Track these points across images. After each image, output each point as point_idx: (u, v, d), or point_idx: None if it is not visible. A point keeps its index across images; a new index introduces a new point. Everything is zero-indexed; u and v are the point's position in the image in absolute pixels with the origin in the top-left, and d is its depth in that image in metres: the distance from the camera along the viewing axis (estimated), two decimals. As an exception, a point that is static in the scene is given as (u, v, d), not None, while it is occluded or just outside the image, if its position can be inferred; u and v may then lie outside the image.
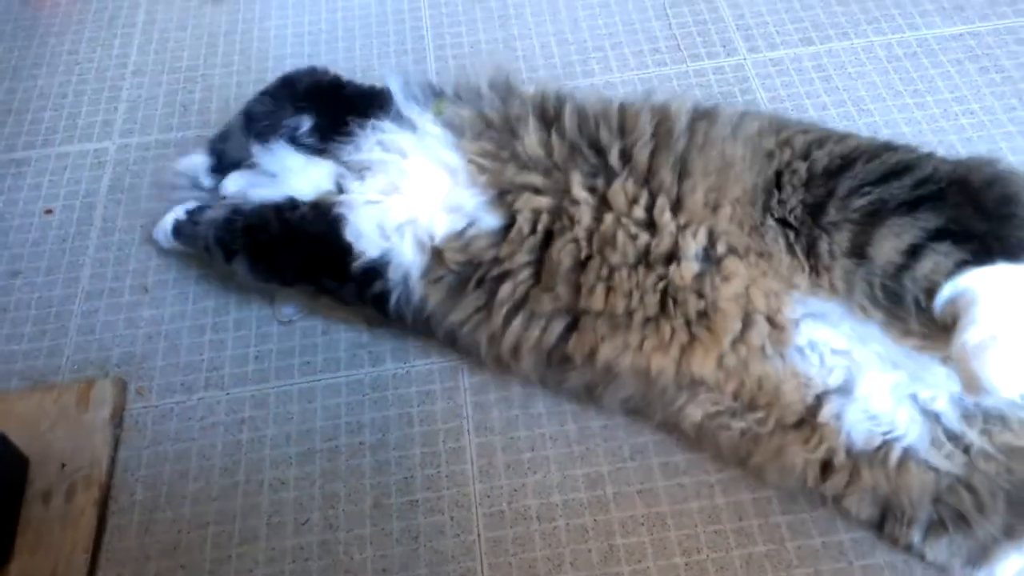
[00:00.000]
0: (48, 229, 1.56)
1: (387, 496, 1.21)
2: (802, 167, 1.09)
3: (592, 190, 1.14)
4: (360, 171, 1.25)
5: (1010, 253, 0.97)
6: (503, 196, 1.17)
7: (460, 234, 1.18)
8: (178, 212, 1.43)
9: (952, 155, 1.13)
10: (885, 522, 1.11)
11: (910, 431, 1.04)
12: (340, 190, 1.26)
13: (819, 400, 1.07)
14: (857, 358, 1.05)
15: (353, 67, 1.78)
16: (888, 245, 1.01)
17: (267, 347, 1.37)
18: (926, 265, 0.99)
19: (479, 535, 1.17)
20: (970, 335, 0.91)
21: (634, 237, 1.11)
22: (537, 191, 1.16)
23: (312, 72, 1.45)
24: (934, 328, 1.01)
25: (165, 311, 1.43)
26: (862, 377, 1.05)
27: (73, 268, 1.50)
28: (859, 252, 1.03)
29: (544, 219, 1.15)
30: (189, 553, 1.18)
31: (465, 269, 1.18)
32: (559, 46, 1.78)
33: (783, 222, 1.08)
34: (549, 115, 1.22)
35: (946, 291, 0.97)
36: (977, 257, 0.97)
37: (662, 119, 1.18)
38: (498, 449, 1.24)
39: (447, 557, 1.15)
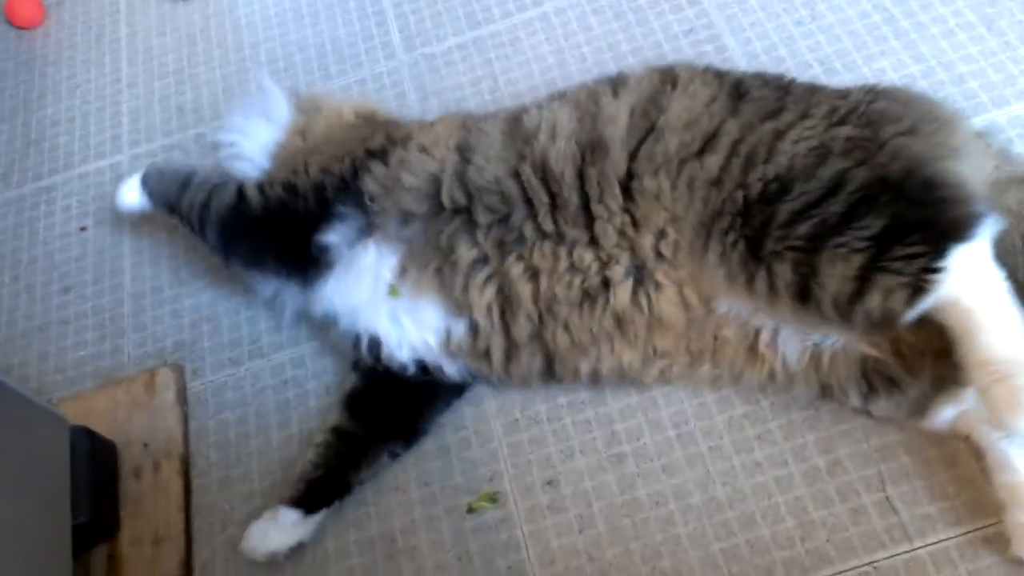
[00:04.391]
0: (86, 244, 1.75)
1: (418, 423, 1.40)
2: (739, 195, 1.13)
3: (520, 259, 1.24)
4: None
5: (956, 234, 1.03)
6: (459, 305, 1.28)
7: (446, 343, 1.31)
8: None
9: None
10: (824, 396, 1.24)
11: (840, 338, 1.17)
12: None
13: (756, 333, 1.22)
14: None
15: (322, 40, 1.92)
16: (836, 273, 1.05)
17: (294, 314, 1.55)
18: (875, 298, 1.04)
19: (500, 441, 1.36)
20: (986, 373, 1.01)
21: (569, 284, 1.23)
22: (483, 285, 1.26)
23: None
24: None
25: (202, 298, 1.62)
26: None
27: (115, 275, 1.69)
28: (804, 289, 1.08)
29: (495, 309, 1.27)
30: (264, 498, 1.38)
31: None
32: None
33: (725, 252, 1.14)
34: (467, 215, 1.26)
35: (916, 311, 1.04)
36: (932, 248, 1.02)
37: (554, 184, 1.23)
38: (506, 366, 1.41)
39: (476, 464, 1.35)
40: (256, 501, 1.39)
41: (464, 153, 1.29)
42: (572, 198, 1.22)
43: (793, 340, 1.20)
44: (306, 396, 1.47)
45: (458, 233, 1.26)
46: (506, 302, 1.26)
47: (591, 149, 1.23)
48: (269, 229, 1.36)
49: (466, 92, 1.76)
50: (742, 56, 1.66)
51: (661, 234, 1.20)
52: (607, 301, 1.23)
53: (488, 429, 1.37)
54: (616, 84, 1.29)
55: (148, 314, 1.63)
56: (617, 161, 1.21)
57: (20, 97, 2.02)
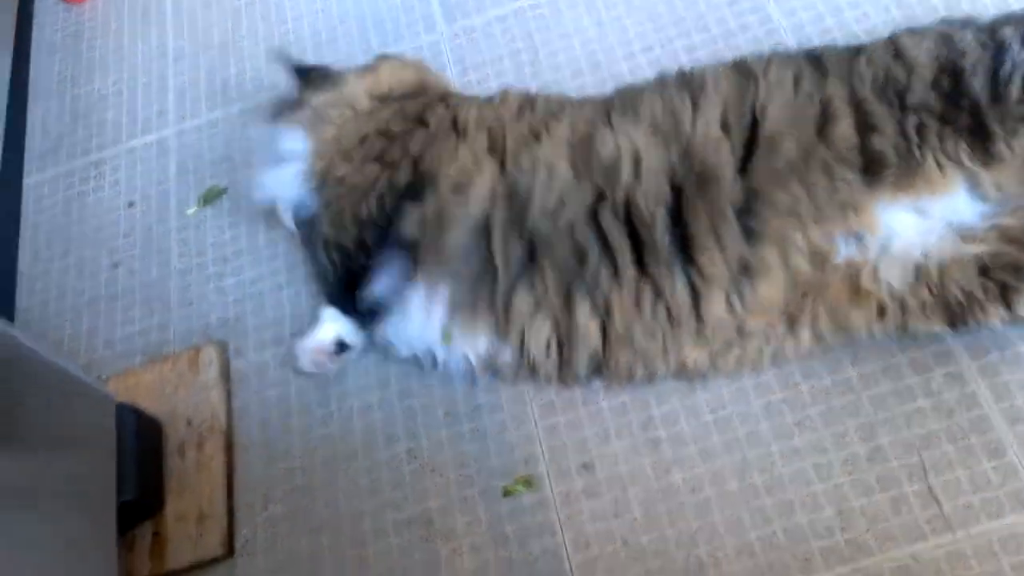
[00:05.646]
0: (134, 220, 1.78)
1: (455, 404, 1.41)
2: (921, 118, 1.09)
3: (588, 297, 1.21)
4: None
5: None
6: (515, 340, 1.28)
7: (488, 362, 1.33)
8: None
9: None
10: (958, 324, 1.17)
11: (942, 246, 1.12)
12: None
13: (858, 272, 1.16)
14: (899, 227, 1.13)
15: (363, 13, 1.91)
16: None
17: (335, 292, 1.56)
18: None
19: (536, 424, 1.36)
20: None
21: (653, 314, 1.19)
22: (541, 325, 1.25)
23: None
24: None
25: (245, 276, 1.64)
26: (894, 238, 1.14)
27: (162, 251, 1.72)
28: None
29: (554, 343, 1.26)
30: (305, 475, 1.42)
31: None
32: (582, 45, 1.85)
33: (951, 156, 1.09)
34: (526, 264, 1.23)
35: None
36: None
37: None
38: (542, 348, 1.41)
39: (512, 446, 1.35)
40: (297, 478, 1.41)
41: (516, 201, 1.23)
42: (664, 239, 1.17)
43: (894, 263, 1.14)
44: (346, 374, 1.48)
45: (514, 286, 1.24)
46: (565, 336, 1.26)
47: (696, 184, 1.16)
48: (350, 290, 1.37)
49: (506, 65, 1.74)
50: (788, 27, 1.60)
51: (793, 239, 1.14)
52: (695, 315, 1.19)
53: (524, 412, 1.38)
54: (692, 91, 1.23)
55: (193, 291, 1.66)
56: (731, 189, 1.15)
57: (68, 71, 2.05)
